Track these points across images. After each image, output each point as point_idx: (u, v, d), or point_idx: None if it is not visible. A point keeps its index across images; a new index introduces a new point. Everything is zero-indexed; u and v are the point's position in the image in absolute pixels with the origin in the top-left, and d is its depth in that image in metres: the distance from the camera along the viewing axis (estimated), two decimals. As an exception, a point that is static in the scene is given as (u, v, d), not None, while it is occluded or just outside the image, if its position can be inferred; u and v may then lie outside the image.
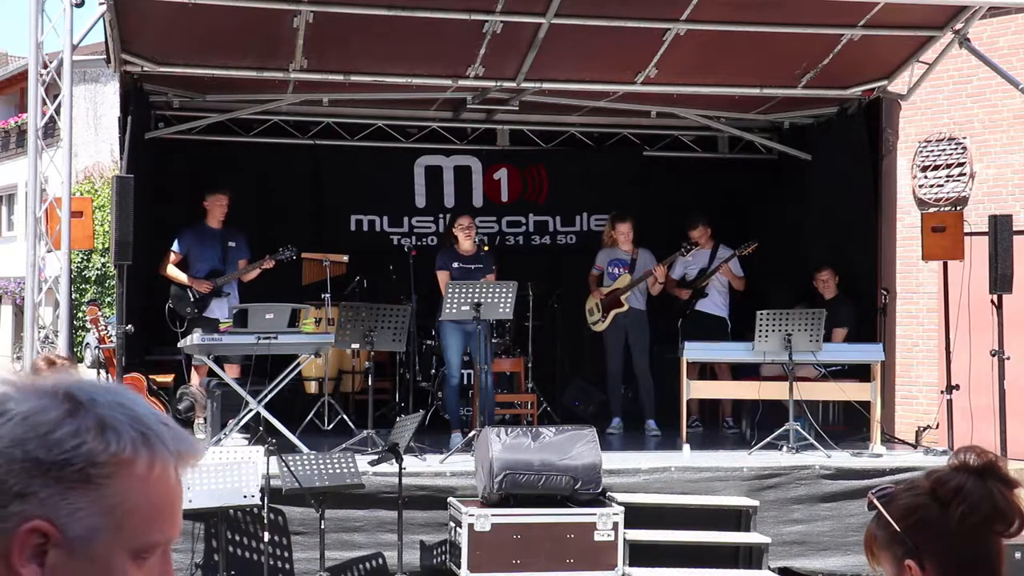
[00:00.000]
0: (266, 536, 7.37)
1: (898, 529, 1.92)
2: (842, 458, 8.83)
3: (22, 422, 1.17)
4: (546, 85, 10.29)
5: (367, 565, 7.93)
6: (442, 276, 9.64)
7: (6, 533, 1.15)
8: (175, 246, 9.88)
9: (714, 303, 10.78)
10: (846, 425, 10.14)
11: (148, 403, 1.26)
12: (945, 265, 9.93)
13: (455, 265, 9.73)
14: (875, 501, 1.98)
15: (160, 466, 1.21)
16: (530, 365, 10.72)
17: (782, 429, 8.99)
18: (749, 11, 9.07)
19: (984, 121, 11.44)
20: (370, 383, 9.07)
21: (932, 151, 11.68)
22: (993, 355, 8.97)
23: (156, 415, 1.24)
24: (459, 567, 7.49)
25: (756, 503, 8.19)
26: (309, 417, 9.68)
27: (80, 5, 8.06)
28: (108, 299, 23.34)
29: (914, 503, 1.95)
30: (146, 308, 9.96)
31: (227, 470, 7.36)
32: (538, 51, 9.46)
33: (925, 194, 11.71)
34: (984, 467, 1.98)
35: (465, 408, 10.23)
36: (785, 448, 8.88)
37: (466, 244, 9.78)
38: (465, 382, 10.18)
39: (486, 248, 9.84)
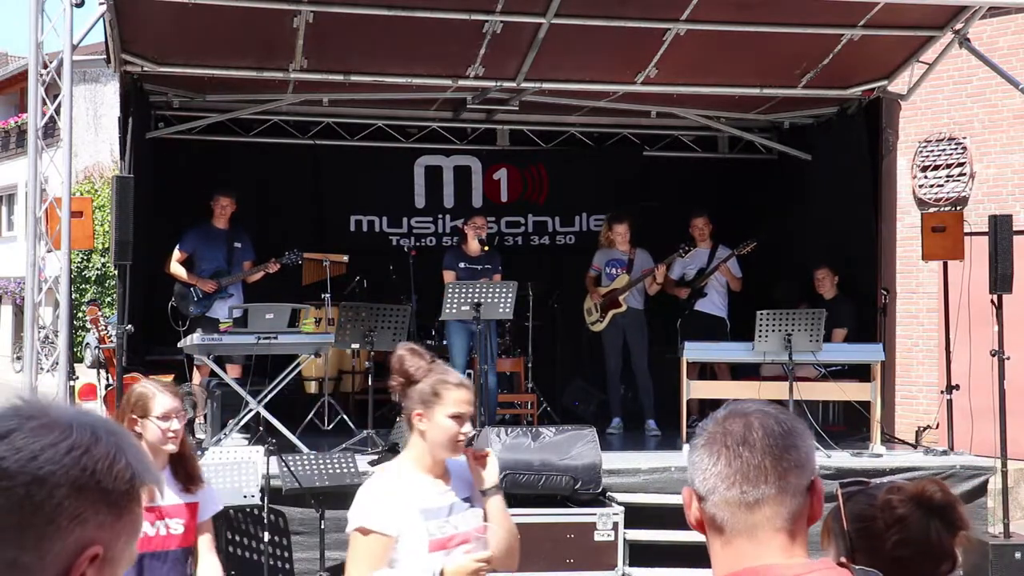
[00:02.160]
0: (266, 536, 7.36)
1: (846, 528, 2.01)
2: (842, 458, 8.83)
3: (82, 454, 1.25)
4: (546, 85, 10.28)
5: (367, 565, 7.91)
6: (448, 276, 9.65)
7: (63, 555, 1.23)
8: (180, 245, 9.90)
9: (713, 303, 10.78)
10: (846, 425, 10.14)
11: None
12: (945, 265, 9.93)
13: (461, 265, 9.74)
14: (839, 495, 2.06)
15: (144, 491, 1.33)
16: (530, 365, 10.72)
17: (782, 429, 8.98)
18: (749, 11, 9.07)
19: (984, 121, 11.45)
20: (370, 383, 9.07)
21: (932, 151, 11.69)
22: (993, 355, 8.97)
23: (134, 444, 1.36)
24: (459, 567, 7.47)
25: (756, 503, 8.18)
26: (309, 417, 9.68)
27: (80, 5, 8.05)
28: (108, 299, 23.34)
29: (865, 513, 2.06)
30: (147, 308, 9.96)
31: (227, 470, 7.36)
32: (538, 51, 9.46)
33: (925, 194, 11.71)
34: (937, 507, 2.06)
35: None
36: (785, 448, 8.87)
37: (474, 244, 9.79)
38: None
39: (486, 248, 9.84)
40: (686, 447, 9.09)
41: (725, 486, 1.74)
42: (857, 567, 1.79)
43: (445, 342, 10.09)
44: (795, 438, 1.77)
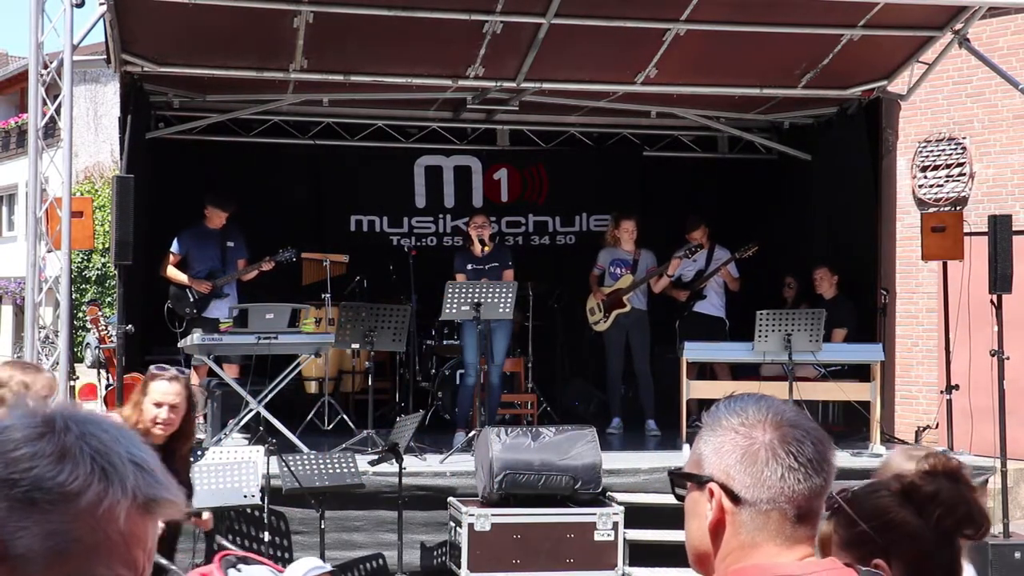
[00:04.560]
0: (266, 536, 7.36)
1: (867, 528, 1.94)
2: (842, 458, 8.80)
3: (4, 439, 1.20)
4: (546, 85, 10.28)
5: (367, 565, 7.93)
6: (459, 279, 9.64)
7: None
8: (174, 247, 9.90)
9: (712, 304, 10.78)
10: (846, 425, 10.14)
11: (137, 443, 1.26)
12: (945, 265, 9.93)
13: (469, 267, 9.73)
14: (841, 503, 2.00)
15: (109, 504, 1.20)
16: (530, 365, 10.72)
17: (782, 429, 8.96)
18: (749, 11, 9.07)
19: (984, 121, 11.44)
20: (370, 383, 9.07)
21: (932, 151, 11.68)
22: (993, 355, 8.97)
23: (133, 455, 1.24)
24: (459, 567, 7.49)
25: (756, 503, 8.18)
26: (309, 417, 9.68)
27: (80, 5, 8.05)
28: (108, 299, 23.34)
29: (885, 504, 1.99)
30: (146, 308, 9.97)
31: (227, 470, 7.35)
32: (538, 51, 9.46)
33: (925, 194, 11.71)
34: (954, 472, 2.02)
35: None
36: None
37: (477, 244, 9.79)
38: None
39: (486, 248, 9.84)
40: (686, 447, 9.08)
41: (786, 500, 1.69)
42: (864, 568, 1.77)
43: (457, 340, 10.11)
44: (834, 448, 1.76)
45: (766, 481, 1.69)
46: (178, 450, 4.96)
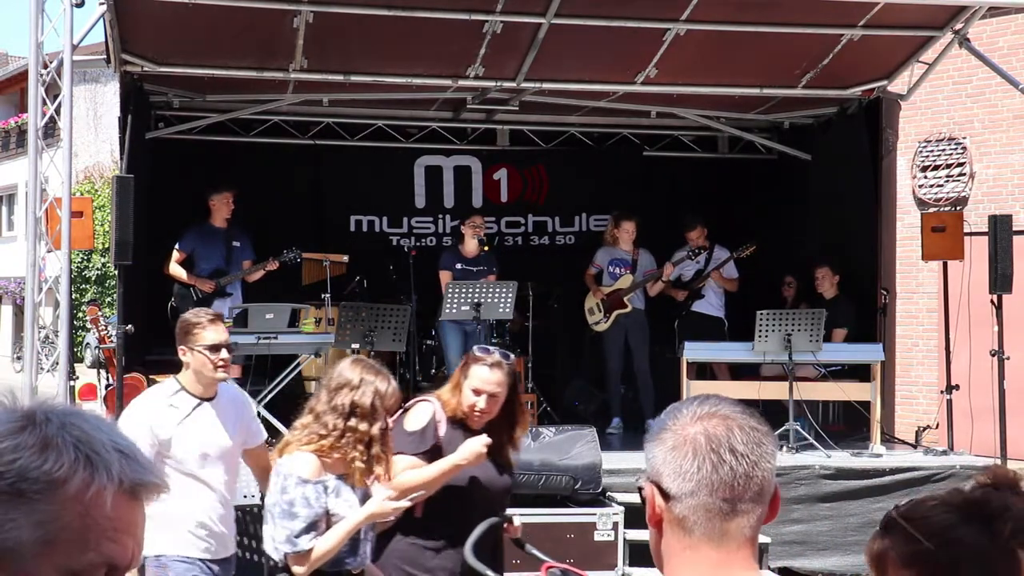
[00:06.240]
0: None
1: (932, 547, 1.89)
2: (842, 458, 8.83)
3: None
4: (546, 85, 10.29)
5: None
6: (444, 276, 9.66)
7: None
8: (179, 245, 9.89)
9: (710, 304, 10.78)
10: (846, 425, 10.14)
11: (118, 431, 1.28)
12: (945, 265, 9.94)
13: (457, 266, 9.74)
14: (902, 522, 1.93)
15: (96, 489, 1.22)
16: (530, 365, 10.71)
17: (782, 429, 8.98)
18: (749, 11, 9.08)
19: (984, 121, 11.45)
20: (370, 383, 9.05)
21: (932, 151, 11.69)
22: (993, 355, 8.97)
23: (116, 442, 1.26)
24: (459, 567, 7.48)
25: (756, 503, 8.17)
26: (309, 417, 9.66)
27: (80, 5, 8.06)
28: (108, 299, 23.34)
29: (949, 520, 1.91)
30: (147, 308, 9.96)
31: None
32: (538, 51, 9.46)
33: (925, 194, 11.72)
34: (1016, 484, 1.98)
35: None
36: (785, 448, 8.87)
37: (470, 244, 9.79)
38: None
39: (485, 248, 9.84)
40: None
41: (707, 492, 1.70)
42: None
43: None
44: (770, 443, 1.74)
45: (685, 472, 1.72)
46: (498, 439, 4.54)
